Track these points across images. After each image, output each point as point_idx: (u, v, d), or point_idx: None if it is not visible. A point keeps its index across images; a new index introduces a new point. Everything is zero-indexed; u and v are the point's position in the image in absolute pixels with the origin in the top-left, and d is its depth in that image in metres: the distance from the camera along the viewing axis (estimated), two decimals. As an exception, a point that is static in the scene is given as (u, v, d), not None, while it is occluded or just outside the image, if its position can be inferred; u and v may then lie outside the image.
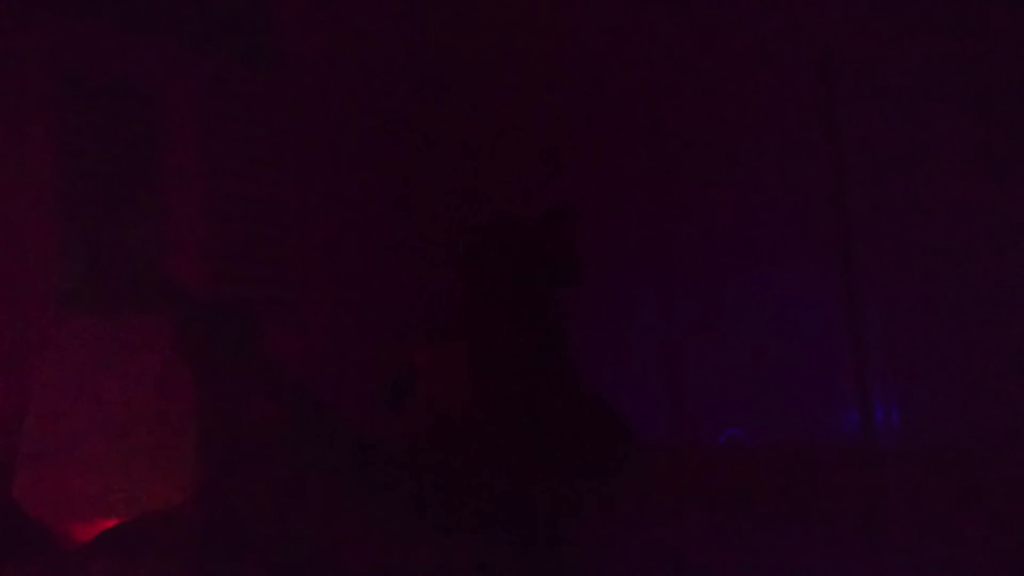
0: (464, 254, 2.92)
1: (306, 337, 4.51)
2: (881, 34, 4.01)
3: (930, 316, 3.88)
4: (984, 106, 3.76)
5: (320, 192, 4.86)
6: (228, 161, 4.54)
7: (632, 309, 4.76)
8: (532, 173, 5.00)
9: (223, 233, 4.47)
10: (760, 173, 4.38)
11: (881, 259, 4.02)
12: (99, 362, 3.95)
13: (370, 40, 5.05)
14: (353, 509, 2.89)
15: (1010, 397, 3.57)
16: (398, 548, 2.83)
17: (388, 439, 3.06)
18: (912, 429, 3.94)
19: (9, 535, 3.43)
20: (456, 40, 5.13)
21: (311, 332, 4.59)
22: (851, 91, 4.12)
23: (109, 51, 4.18)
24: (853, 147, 4.10)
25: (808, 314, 4.22)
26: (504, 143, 5.16)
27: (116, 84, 4.20)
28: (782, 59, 4.29)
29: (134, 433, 3.93)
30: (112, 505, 3.69)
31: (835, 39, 4.14)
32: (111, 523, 3.63)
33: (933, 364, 3.86)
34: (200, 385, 3.00)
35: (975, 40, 3.72)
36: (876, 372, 4.00)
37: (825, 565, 2.81)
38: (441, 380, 3.07)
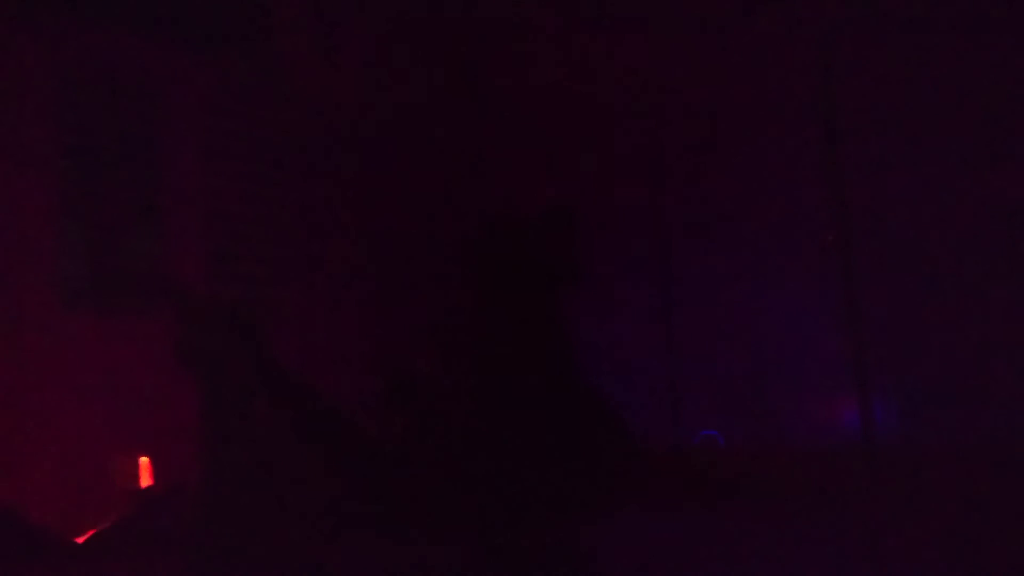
0: (465, 255, 2.92)
1: (306, 337, 4.51)
2: (881, 36, 4.01)
3: (930, 316, 3.88)
4: (984, 106, 3.76)
5: (320, 193, 4.86)
6: (228, 161, 4.55)
7: (632, 309, 4.76)
8: (534, 175, 5.00)
9: (223, 233, 4.48)
10: (760, 174, 4.38)
11: (881, 259, 4.02)
12: (99, 362, 3.96)
13: (371, 42, 5.05)
14: (352, 508, 2.89)
15: (1010, 397, 3.57)
16: (398, 547, 2.83)
17: (388, 439, 3.06)
18: (912, 429, 3.94)
19: (9, 535, 3.43)
20: (460, 42, 5.13)
21: (311, 332, 4.59)
22: (851, 92, 4.12)
23: (110, 52, 4.19)
24: (853, 148, 4.10)
25: (808, 315, 4.23)
26: (507, 145, 5.16)
27: (117, 84, 4.21)
28: (782, 61, 4.29)
29: (134, 432, 3.94)
30: (112, 505, 3.69)
31: (835, 41, 4.14)
32: (111, 523, 3.63)
33: (933, 364, 3.87)
34: (200, 384, 3.00)
35: (975, 41, 3.73)
36: (876, 372, 4.00)
37: (825, 564, 2.81)
38: (442, 380, 3.07)
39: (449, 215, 4.87)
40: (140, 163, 4.26)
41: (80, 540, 3.55)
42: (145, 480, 3.89)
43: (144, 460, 3.90)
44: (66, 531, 3.56)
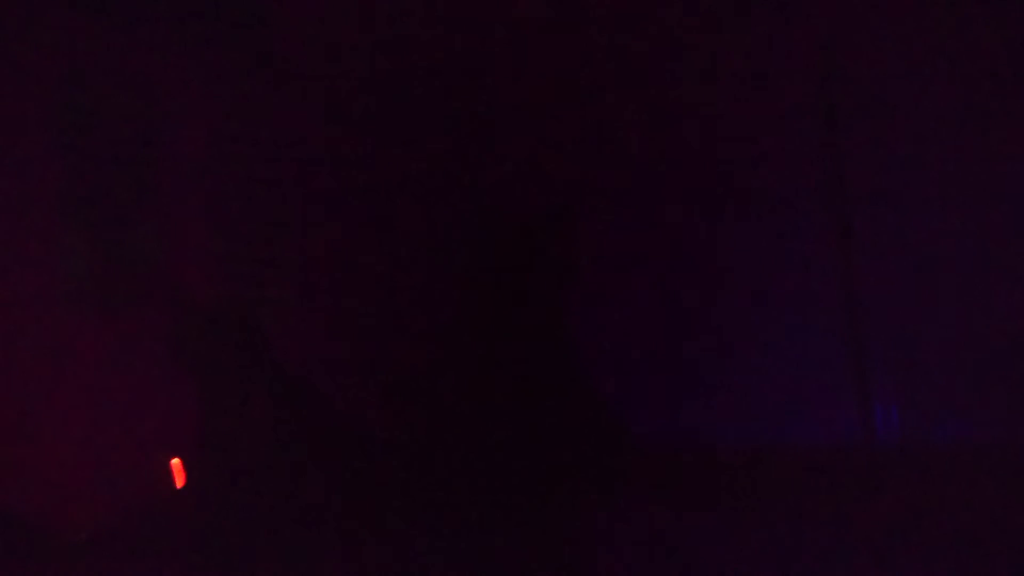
0: (467, 253, 2.92)
1: (306, 337, 4.50)
2: (880, 37, 4.01)
3: (930, 316, 3.88)
4: (982, 107, 3.76)
5: (321, 193, 4.85)
6: (228, 161, 4.55)
7: (632, 309, 4.75)
8: (533, 174, 4.99)
9: (223, 234, 4.48)
10: (761, 174, 4.38)
11: (882, 258, 4.02)
12: (99, 362, 3.96)
13: (372, 40, 5.04)
14: (353, 507, 2.89)
15: (1010, 397, 3.57)
16: (398, 545, 2.83)
17: (388, 438, 3.06)
18: (912, 429, 3.95)
19: (9, 535, 3.43)
20: (461, 41, 5.13)
21: (311, 332, 4.59)
22: (851, 93, 4.13)
23: (110, 50, 4.19)
24: (853, 148, 4.10)
25: (808, 315, 4.22)
26: (508, 144, 5.16)
27: (117, 84, 4.21)
28: (783, 63, 4.29)
29: (135, 432, 3.93)
30: (113, 505, 3.69)
31: (835, 43, 4.14)
32: (111, 523, 3.63)
33: (933, 364, 3.87)
34: (200, 384, 3.01)
35: (974, 41, 3.73)
36: (876, 372, 4.00)
37: (825, 564, 2.81)
38: (442, 379, 3.07)
39: (451, 214, 4.87)
40: (140, 163, 4.26)
41: (80, 540, 3.55)
42: (180, 481, 3.88)
43: (176, 461, 3.88)
44: (66, 531, 3.56)
